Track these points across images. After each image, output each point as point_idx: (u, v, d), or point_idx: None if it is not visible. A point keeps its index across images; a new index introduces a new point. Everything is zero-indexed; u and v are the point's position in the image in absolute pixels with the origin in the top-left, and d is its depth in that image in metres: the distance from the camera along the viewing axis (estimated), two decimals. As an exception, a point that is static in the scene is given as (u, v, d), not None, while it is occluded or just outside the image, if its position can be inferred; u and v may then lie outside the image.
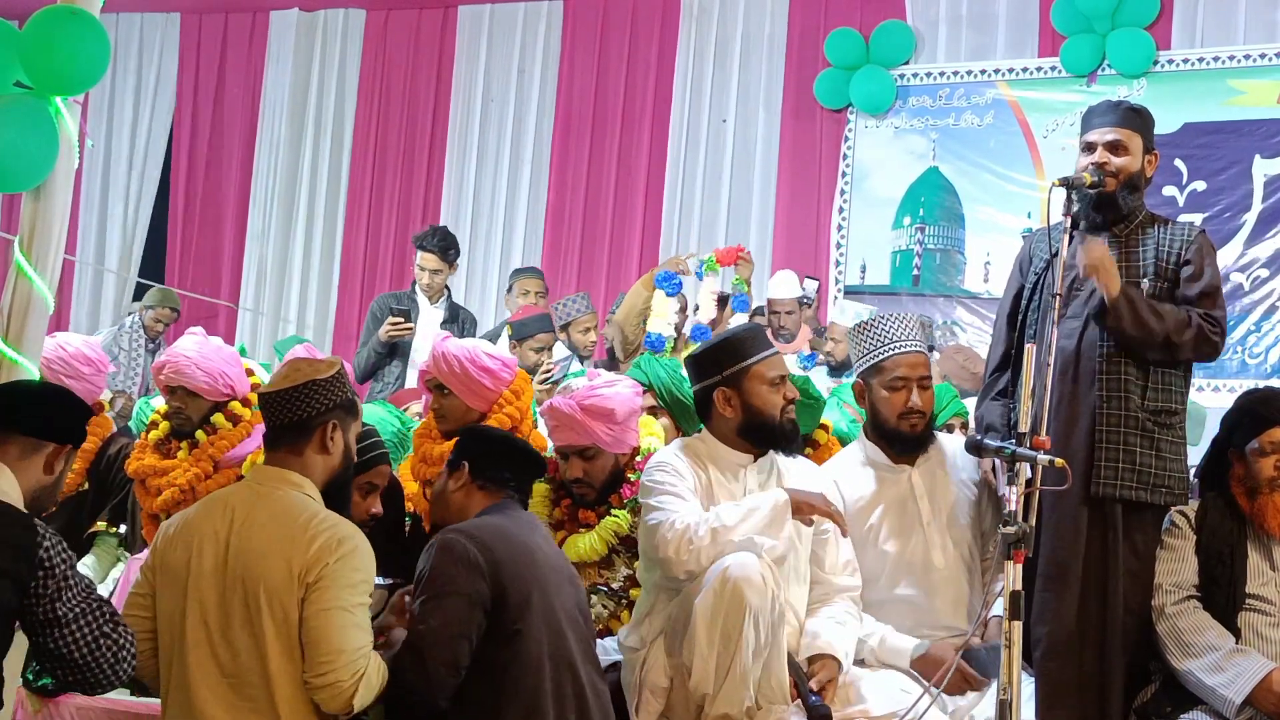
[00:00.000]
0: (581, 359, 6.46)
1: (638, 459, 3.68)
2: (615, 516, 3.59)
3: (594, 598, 3.56)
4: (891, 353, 3.58)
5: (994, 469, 3.50)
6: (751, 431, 3.35)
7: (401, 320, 6.00)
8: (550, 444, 3.76)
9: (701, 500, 3.29)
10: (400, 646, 2.86)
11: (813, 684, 3.17)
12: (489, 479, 3.13)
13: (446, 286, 6.42)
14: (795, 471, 3.45)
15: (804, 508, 3.17)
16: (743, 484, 3.37)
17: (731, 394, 3.33)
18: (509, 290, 6.91)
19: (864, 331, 3.67)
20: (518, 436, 3.57)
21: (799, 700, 3.12)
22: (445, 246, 6.29)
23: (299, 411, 2.92)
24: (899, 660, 3.40)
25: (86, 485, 4.39)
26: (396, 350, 6.18)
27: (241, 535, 2.79)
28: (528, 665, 2.87)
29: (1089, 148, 3.55)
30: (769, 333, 6.79)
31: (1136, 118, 3.57)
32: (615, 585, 3.59)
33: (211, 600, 2.77)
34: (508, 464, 3.17)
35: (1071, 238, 3.43)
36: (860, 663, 3.41)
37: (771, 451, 3.41)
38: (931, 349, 3.77)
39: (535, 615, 2.90)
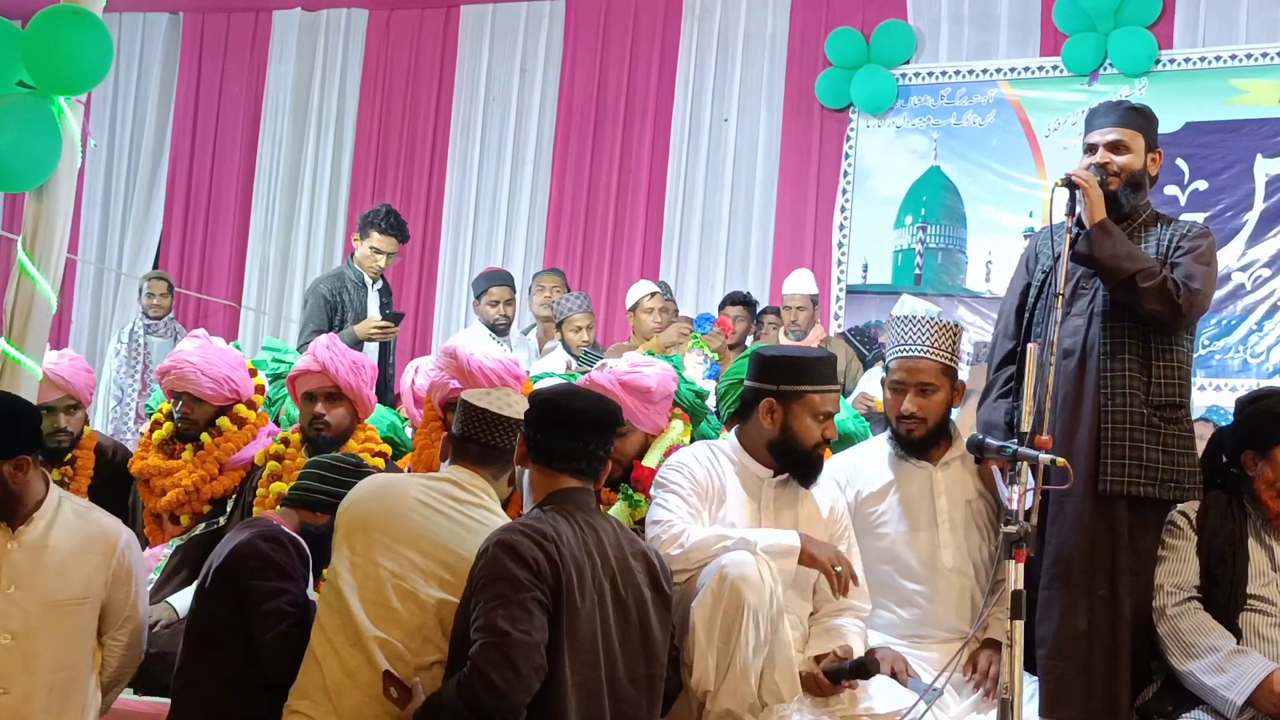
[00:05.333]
0: (576, 358, 6.49)
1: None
2: (622, 502, 3.66)
3: None
4: (898, 355, 3.61)
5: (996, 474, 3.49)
6: (780, 451, 3.36)
7: (390, 325, 5.73)
8: None
9: (711, 509, 3.30)
10: (482, 647, 2.67)
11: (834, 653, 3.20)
12: (546, 458, 2.95)
13: None
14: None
15: (808, 560, 3.18)
16: (758, 497, 3.38)
17: (778, 409, 3.34)
18: (529, 291, 6.92)
19: (893, 327, 3.71)
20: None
21: (840, 684, 3.13)
22: (402, 225, 6.01)
23: (496, 436, 3.07)
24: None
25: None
26: (359, 348, 5.70)
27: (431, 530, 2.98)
28: (556, 693, 2.74)
29: (1091, 149, 3.55)
30: (780, 330, 6.97)
31: (1138, 116, 3.57)
32: None
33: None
34: (562, 438, 2.94)
35: (1075, 237, 3.43)
36: None
37: None
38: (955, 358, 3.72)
39: (574, 641, 2.77)
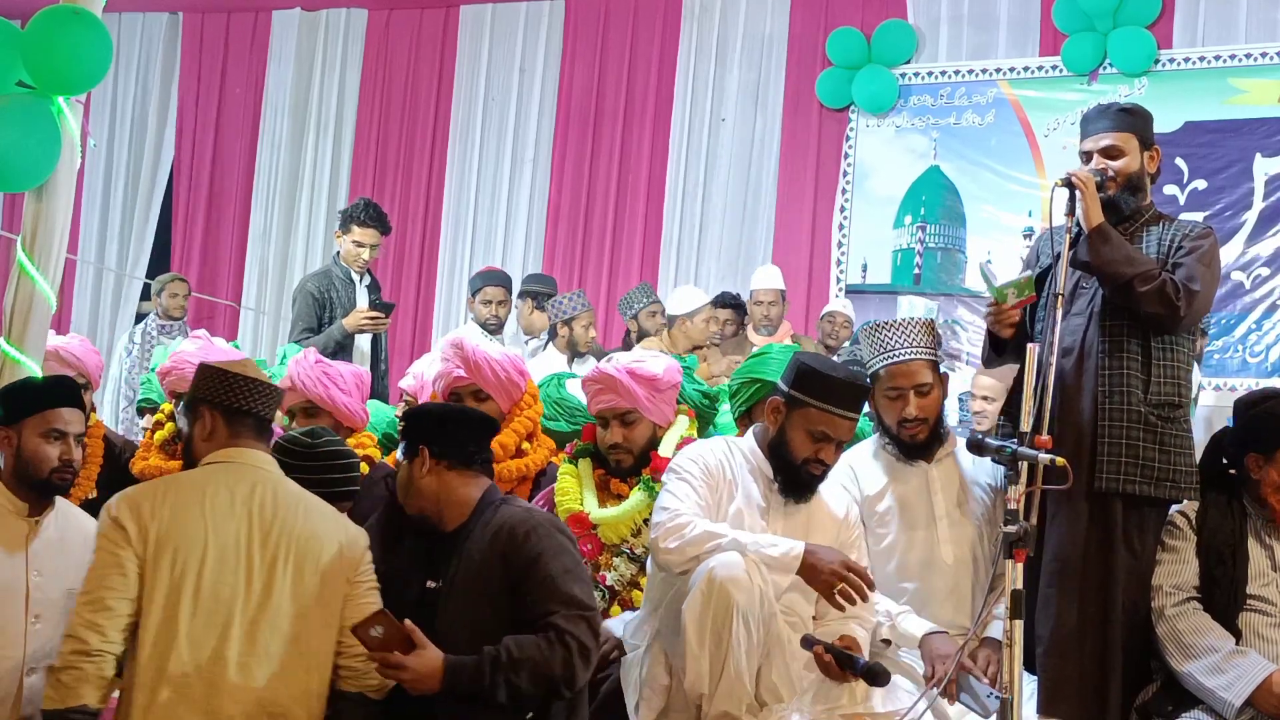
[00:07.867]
0: (579, 354, 6.49)
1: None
2: (643, 492, 3.68)
3: (617, 560, 3.67)
4: (886, 362, 3.59)
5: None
6: (773, 454, 3.33)
7: (381, 315, 5.70)
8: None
9: (722, 504, 3.29)
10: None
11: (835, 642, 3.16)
12: (454, 457, 3.02)
13: None
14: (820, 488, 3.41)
15: (808, 572, 3.10)
16: (768, 498, 3.35)
17: (781, 411, 3.31)
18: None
19: (868, 336, 3.69)
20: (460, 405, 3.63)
21: (848, 674, 3.08)
22: (382, 217, 5.96)
23: (272, 409, 3.09)
24: (908, 643, 3.39)
25: (95, 495, 4.15)
26: (350, 341, 5.78)
27: (279, 514, 2.91)
28: None
29: (1086, 157, 3.56)
30: (750, 325, 7.00)
31: (1129, 117, 3.56)
32: (639, 550, 3.66)
33: (245, 573, 2.84)
34: (466, 436, 3.07)
35: (1076, 236, 3.43)
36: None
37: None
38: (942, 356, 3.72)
39: None
